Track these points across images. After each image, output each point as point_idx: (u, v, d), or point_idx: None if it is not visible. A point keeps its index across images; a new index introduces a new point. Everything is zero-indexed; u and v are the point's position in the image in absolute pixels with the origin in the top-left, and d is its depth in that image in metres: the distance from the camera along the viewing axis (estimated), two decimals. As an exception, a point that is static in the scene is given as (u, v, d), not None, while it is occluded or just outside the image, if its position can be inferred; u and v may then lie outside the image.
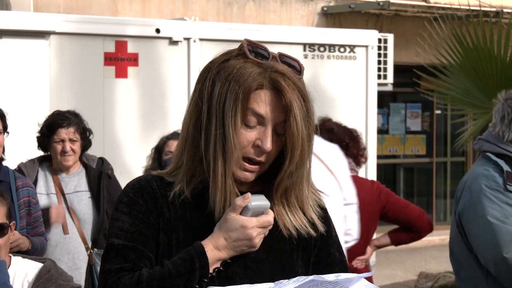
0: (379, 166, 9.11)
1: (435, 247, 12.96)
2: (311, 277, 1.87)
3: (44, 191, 4.97)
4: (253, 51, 2.05)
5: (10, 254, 3.23)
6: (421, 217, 4.90)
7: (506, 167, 3.59)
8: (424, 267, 11.01)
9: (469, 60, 7.21)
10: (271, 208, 2.07)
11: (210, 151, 2.02)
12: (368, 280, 1.98)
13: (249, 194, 2.01)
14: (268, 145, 2.01)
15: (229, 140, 1.99)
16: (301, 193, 2.10)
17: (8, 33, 6.94)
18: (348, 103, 8.69)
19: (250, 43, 2.06)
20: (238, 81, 1.99)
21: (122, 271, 1.99)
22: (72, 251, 4.95)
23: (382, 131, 13.61)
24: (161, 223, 2.06)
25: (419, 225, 4.89)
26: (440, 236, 13.49)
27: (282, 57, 2.07)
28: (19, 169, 4.97)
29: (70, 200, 4.98)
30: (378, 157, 9.46)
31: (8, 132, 4.47)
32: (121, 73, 7.45)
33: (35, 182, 4.95)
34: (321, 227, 2.15)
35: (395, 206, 4.87)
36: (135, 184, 2.10)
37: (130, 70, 7.49)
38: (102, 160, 5.20)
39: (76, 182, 5.05)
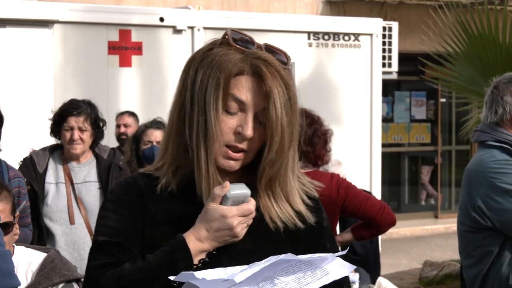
0: (383, 155, 9.10)
1: (440, 236, 12.95)
2: (282, 256, 1.83)
3: (53, 180, 4.94)
4: (237, 39, 2.03)
5: (14, 244, 3.22)
6: (381, 212, 4.65)
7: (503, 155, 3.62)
8: (429, 255, 10.99)
9: (474, 48, 7.19)
10: (257, 200, 2.03)
11: (193, 139, 2.00)
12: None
13: (227, 182, 1.98)
14: (248, 131, 1.98)
15: (211, 126, 1.97)
16: (285, 184, 2.06)
17: (11, 22, 6.93)
18: (352, 91, 8.67)
19: (234, 31, 2.05)
20: (219, 67, 1.98)
21: (105, 266, 1.99)
22: (78, 241, 4.91)
23: (386, 119, 13.59)
24: (146, 218, 2.04)
25: (379, 220, 4.64)
26: (445, 225, 13.48)
27: (268, 47, 2.05)
28: (31, 157, 4.95)
29: (78, 190, 4.95)
30: (383, 145, 9.44)
31: None
32: (125, 62, 7.44)
33: (45, 171, 4.93)
34: (309, 218, 2.11)
35: (354, 200, 4.62)
36: (122, 182, 2.12)
37: (134, 59, 7.48)
38: (114, 151, 5.15)
39: (86, 172, 5.01)
